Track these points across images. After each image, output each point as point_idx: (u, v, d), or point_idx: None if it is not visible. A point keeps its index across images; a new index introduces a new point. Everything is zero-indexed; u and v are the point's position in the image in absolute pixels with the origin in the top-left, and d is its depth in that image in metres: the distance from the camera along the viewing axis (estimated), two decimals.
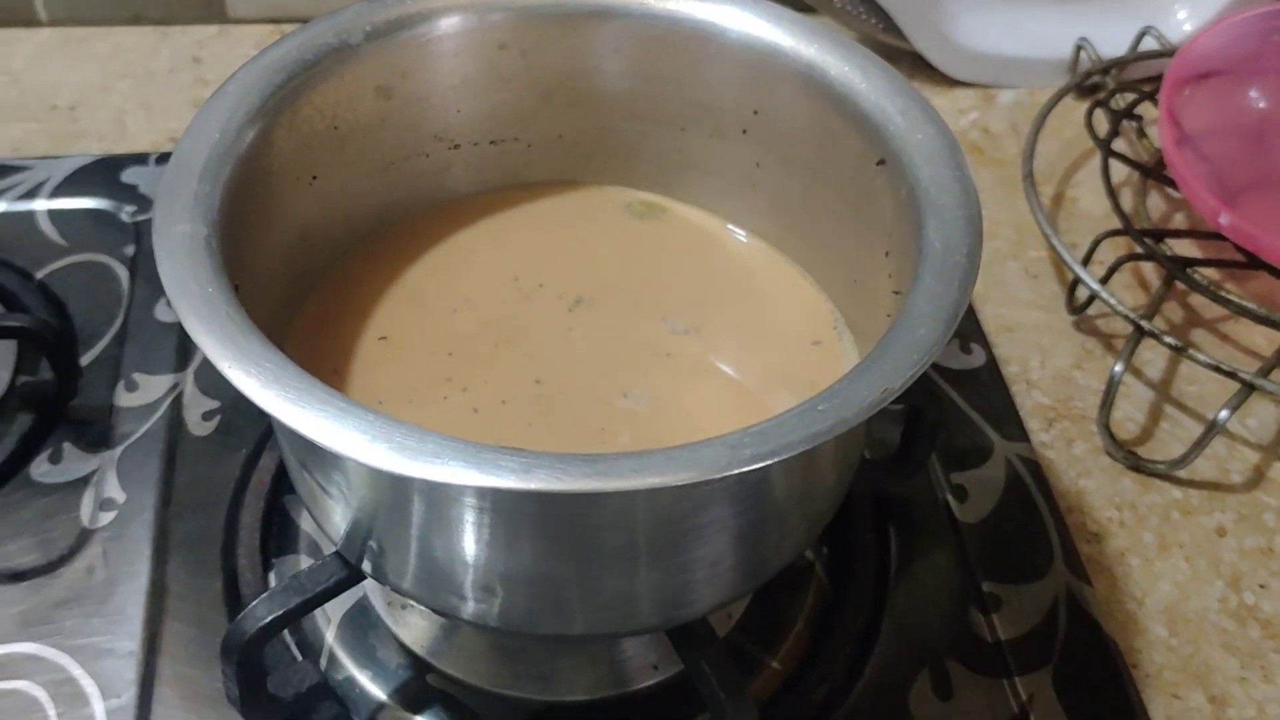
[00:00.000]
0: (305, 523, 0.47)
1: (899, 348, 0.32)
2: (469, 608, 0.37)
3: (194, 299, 0.32)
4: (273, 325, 0.41)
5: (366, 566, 0.38)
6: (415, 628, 0.44)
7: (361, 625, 0.44)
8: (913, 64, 0.68)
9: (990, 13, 0.67)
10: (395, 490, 0.34)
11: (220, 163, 0.37)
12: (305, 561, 0.46)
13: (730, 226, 0.47)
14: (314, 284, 0.44)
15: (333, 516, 0.38)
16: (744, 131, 0.44)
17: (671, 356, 0.42)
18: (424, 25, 0.42)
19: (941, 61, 0.66)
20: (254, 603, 0.38)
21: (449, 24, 0.42)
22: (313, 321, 0.43)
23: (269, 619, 0.38)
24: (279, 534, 0.47)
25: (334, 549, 0.39)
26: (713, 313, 0.44)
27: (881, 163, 0.39)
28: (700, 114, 0.45)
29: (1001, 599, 0.46)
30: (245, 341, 0.31)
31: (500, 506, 0.33)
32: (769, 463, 0.30)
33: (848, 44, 0.41)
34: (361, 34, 0.41)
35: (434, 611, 0.39)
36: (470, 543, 0.34)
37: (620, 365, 0.42)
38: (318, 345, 0.42)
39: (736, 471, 0.30)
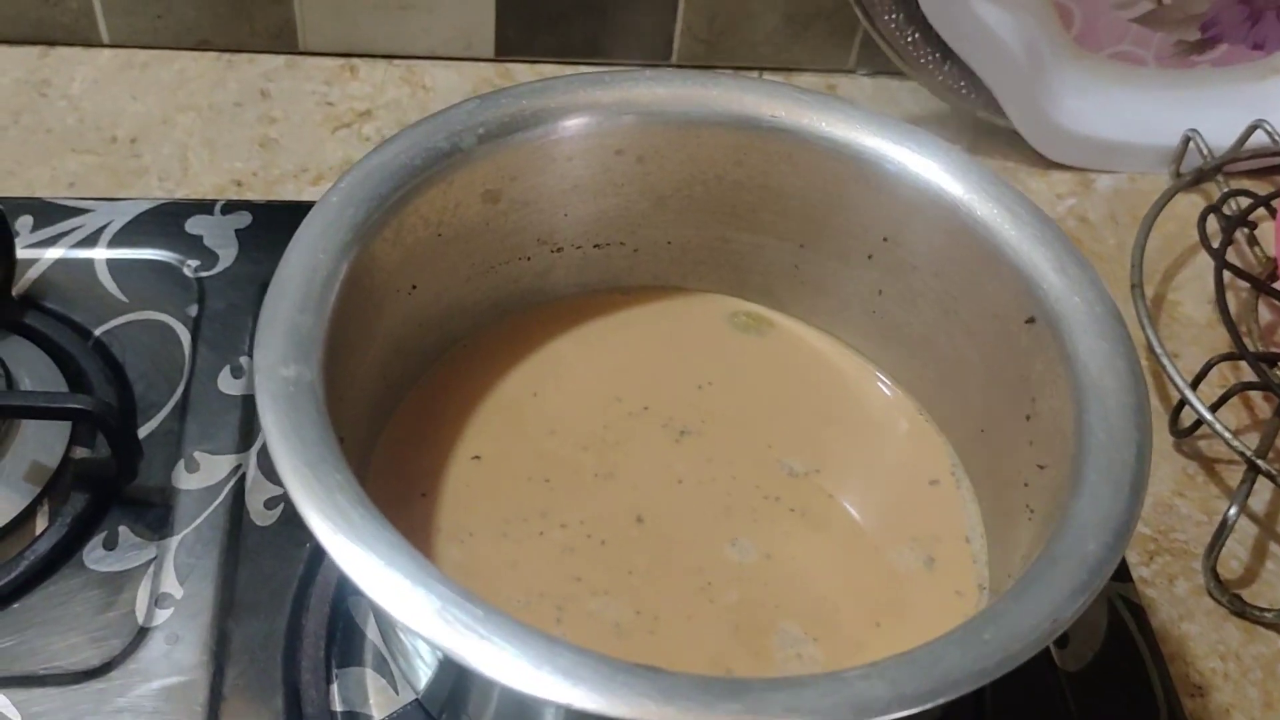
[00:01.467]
0: (371, 631, 0.44)
1: (1067, 565, 0.30)
2: None
3: (304, 470, 0.29)
4: (365, 440, 0.38)
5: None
6: None
7: None
8: (1009, 142, 0.65)
9: (1093, 95, 0.64)
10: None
11: (323, 289, 0.34)
12: (370, 676, 0.43)
13: (841, 347, 0.44)
14: (405, 394, 0.41)
15: (418, 668, 0.35)
16: (869, 257, 0.41)
17: (780, 500, 0.39)
18: (540, 128, 0.39)
19: (1040, 142, 0.63)
20: None
21: (567, 126, 0.40)
22: (403, 435, 0.40)
23: None
24: (343, 642, 0.44)
25: (414, 696, 0.37)
26: (824, 450, 0.41)
27: (1031, 321, 0.36)
28: (823, 233, 0.42)
29: None
30: (362, 525, 0.29)
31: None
32: (931, 705, 0.27)
33: (998, 182, 0.38)
34: (475, 137, 0.38)
35: None
36: None
37: (728, 507, 0.39)
38: (407, 463, 0.39)
39: (896, 716, 0.27)
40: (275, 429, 0.30)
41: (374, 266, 0.36)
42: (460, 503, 0.39)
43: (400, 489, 0.39)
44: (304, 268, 0.34)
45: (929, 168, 0.39)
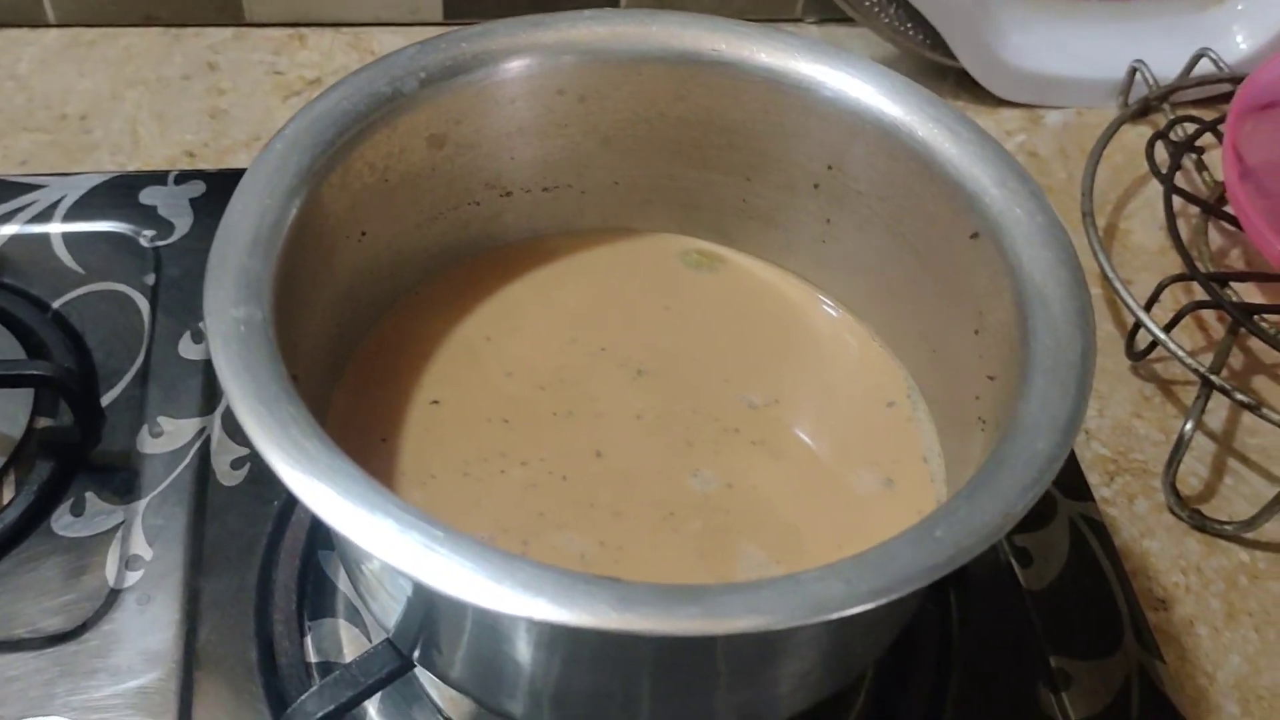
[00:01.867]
0: (342, 583, 0.45)
1: (1016, 464, 0.30)
2: (523, 710, 0.35)
3: (257, 407, 0.30)
4: (320, 389, 0.39)
5: (418, 657, 0.36)
6: (462, 704, 0.42)
7: (405, 697, 0.42)
8: (958, 81, 0.65)
9: (1039, 31, 0.64)
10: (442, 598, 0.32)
11: (271, 233, 0.34)
12: (343, 626, 0.44)
13: (792, 279, 0.44)
14: (359, 341, 0.41)
15: (386, 608, 0.36)
16: (815, 186, 0.42)
17: (740, 431, 0.40)
18: (481, 70, 0.39)
19: (988, 80, 0.64)
20: (303, 698, 0.36)
21: (509, 69, 0.40)
22: (359, 382, 0.40)
23: (320, 715, 0.36)
24: (314, 594, 0.45)
25: (385, 636, 0.37)
26: (781, 381, 0.41)
27: (975, 236, 0.37)
28: (768, 165, 0.42)
29: (1071, 676, 0.44)
30: (318, 456, 0.29)
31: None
32: (886, 600, 0.28)
33: (936, 103, 0.39)
34: (416, 81, 0.38)
35: (485, 708, 0.37)
36: (535, 656, 0.32)
37: (687, 441, 0.39)
38: (366, 409, 0.40)
39: (852, 611, 0.27)
40: (227, 367, 0.30)
41: (322, 212, 0.36)
42: (421, 446, 0.39)
43: (360, 435, 0.39)
44: (251, 212, 0.34)
45: (867, 92, 0.39)
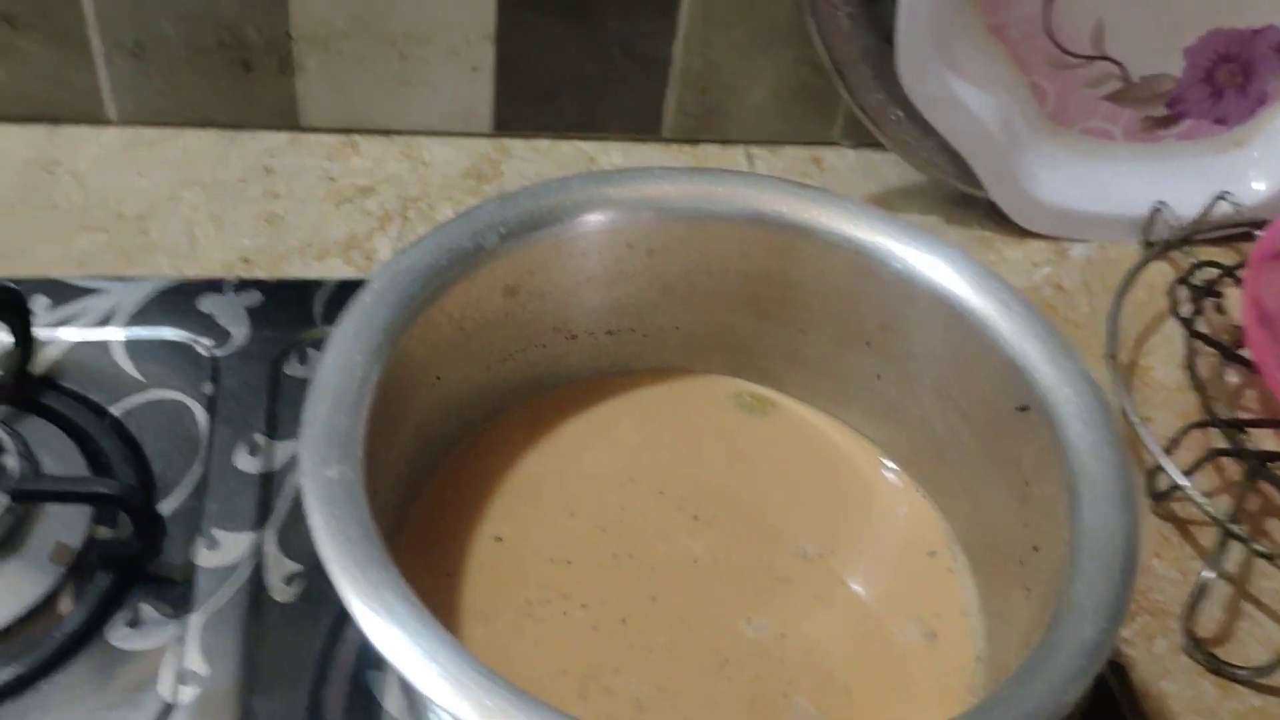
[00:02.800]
0: (389, 704, 0.46)
1: (1067, 651, 0.32)
2: None
3: (353, 572, 0.31)
4: (391, 525, 0.40)
5: None
6: None
7: None
8: (985, 212, 0.67)
9: (1066, 168, 0.67)
10: None
11: (360, 389, 0.36)
12: None
13: (840, 425, 0.46)
14: (428, 479, 0.43)
15: None
16: (868, 344, 0.44)
17: (793, 581, 0.42)
18: (558, 225, 0.42)
19: (1016, 212, 0.66)
20: None
21: (583, 223, 0.42)
22: (426, 517, 0.42)
23: None
24: (362, 715, 0.46)
25: None
26: (828, 529, 0.43)
27: (1024, 409, 0.39)
28: (823, 320, 0.44)
29: None
30: (410, 623, 0.31)
31: None
32: None
33: (991, 275, 0.41)
34: (497, 236, 0.40)
35: None
36: None
37: (742, 587, 0.41)
38: (432, 545, 0.41)
39: None
40: (323, 529, 0.32)
41: (404, 363, 0.38)
42: (484, 582, 0.40)
43: (427, 569, 0.40)
44: (340, 370, 0.36)
45: (925, 261, 0.41)
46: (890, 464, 0.45)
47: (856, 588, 0.42)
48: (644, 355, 0.46)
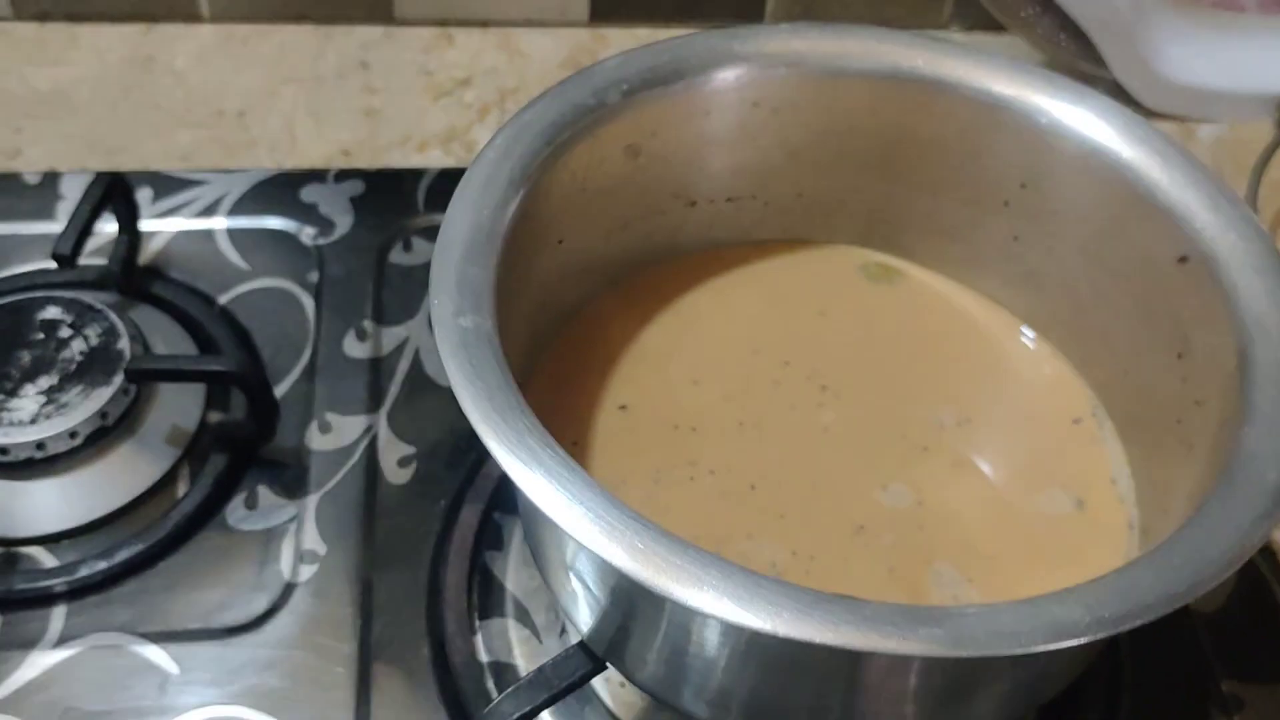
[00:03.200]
0: (510, 583, 0.45)
1: (1247, 494, 0.30)
2: (708, 714, 0.35)
3: (493, 417, 0.30)
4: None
5: (613, 660, 0.36)
6: (634, 709, 0.42)
7: (579, 698, 0.43)
8: (1108, 93, 0.64)
9: (1195, 44, 0.63)
10: (664, 606, 0.32)
11: (488, 241, 0.35)
12: (512, 626, 0.44)
13: (972, 294, 0.44)
14: (547, 346, 0.41)
15: (584, 610, 0.36)
16: (1005, 203, 0.41)
17: (929, 449, 0.40)
18: (680, 82, 0.40)
19: (1141, 92, 0.63)
20: (499, 699, 0.37)
21: (708, 81, 0.40)
22: (549, 386, 0.41)
23: (516, 715, 0.36)
24: (483, 594, 0.45)
25: (579, 639, 0.37)
26: (964, 398, 0.41)
27: (1183, 260, 0.37)
28: (958, 181, 0.42)
29: (1244, 700, 0.43)
30: (554, 466, 0.29)
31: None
32: (1129, 626, 0.28)
33: (1141, 124, 0.38)
34: (619, 93, 0.39)
35: (670, 709, 0.37)
36: (731, 664, 0.33)
37: (876, 455, 0.40)
38: (556, 413, 0.40)
39: (1095, 638, 0.27)
40: (461, 377, 0.31)
41: (530, 219, 0.37)
42: (611, 451, 0.39)
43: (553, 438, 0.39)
44: (469, 222, 0.35)
45: (1070, 112, 0.39)
46: (1028, 331, 0.43)
47: (997, 456, 0.40)
48: (765, 224, 0.44)
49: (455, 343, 0.32)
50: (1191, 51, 0.63)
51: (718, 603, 0.27)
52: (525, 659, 0.43)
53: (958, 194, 0.42)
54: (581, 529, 0.28)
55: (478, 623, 0.44)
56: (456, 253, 0.34)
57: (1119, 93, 0.64)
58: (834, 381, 0.41)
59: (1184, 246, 0.36)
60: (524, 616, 0.45)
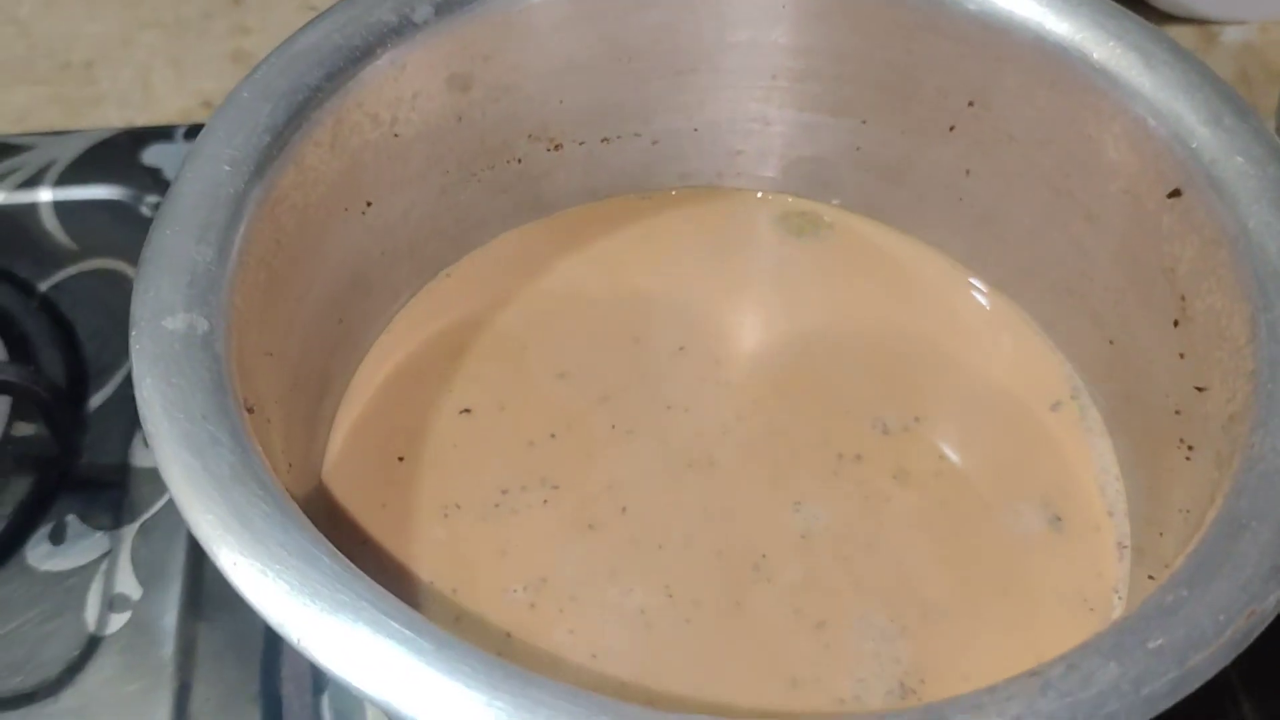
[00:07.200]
0: None
1: (1258, 533, 0.21)
2: None
3: (188, 460, 0.21)
4: (314, 400, 0.31)
5: None
6: None
7: None
8: None
9: None
10: None
11: (230, 211, 0.26)
12: None
13: (920, 246, 0.35)
14: (374, 338, 0.33)
15: None
16: (951, 128, 0.32)
17: (861, 456, 0.31)
18: None
19: None
20: None
21: None
22: (373, 388, 0.32)
23: None
24: None
25: None
26: (909, 386, 0.32)
27: (1176, 194, 0.27)
28: (890, 102, 0.33)
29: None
30: (268, 532, 0.21)
31: None
32: None
33: (1118, 14, 0.29)
34: (430, 6, 0.30)
35: None
36: None
37: (789, 467, 0.31)
38: (381, 421, 0.32)
39: None
40: (152, 399, 0.22)
41: (307, 180, 0.28)
42: (444, 467, 0.31)
43: (374, 454, 0.31)
44: (204, 186, 0.26)
45: (1022, 3, 0.29)
46: (989, 292, 0.34)
47: (951, 461, 0.31)
48: (655, 168, 0.35)
49: (150, 355, 0.23)
50: None
51: None
52: None
53: (892, 120, 0.33)
54: (289, 627, 0.20)
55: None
56: (180, 229, 0.25)
57: None
58: (740, 373, 0.32)
59: (1176, 176, 0.27)
60: None
